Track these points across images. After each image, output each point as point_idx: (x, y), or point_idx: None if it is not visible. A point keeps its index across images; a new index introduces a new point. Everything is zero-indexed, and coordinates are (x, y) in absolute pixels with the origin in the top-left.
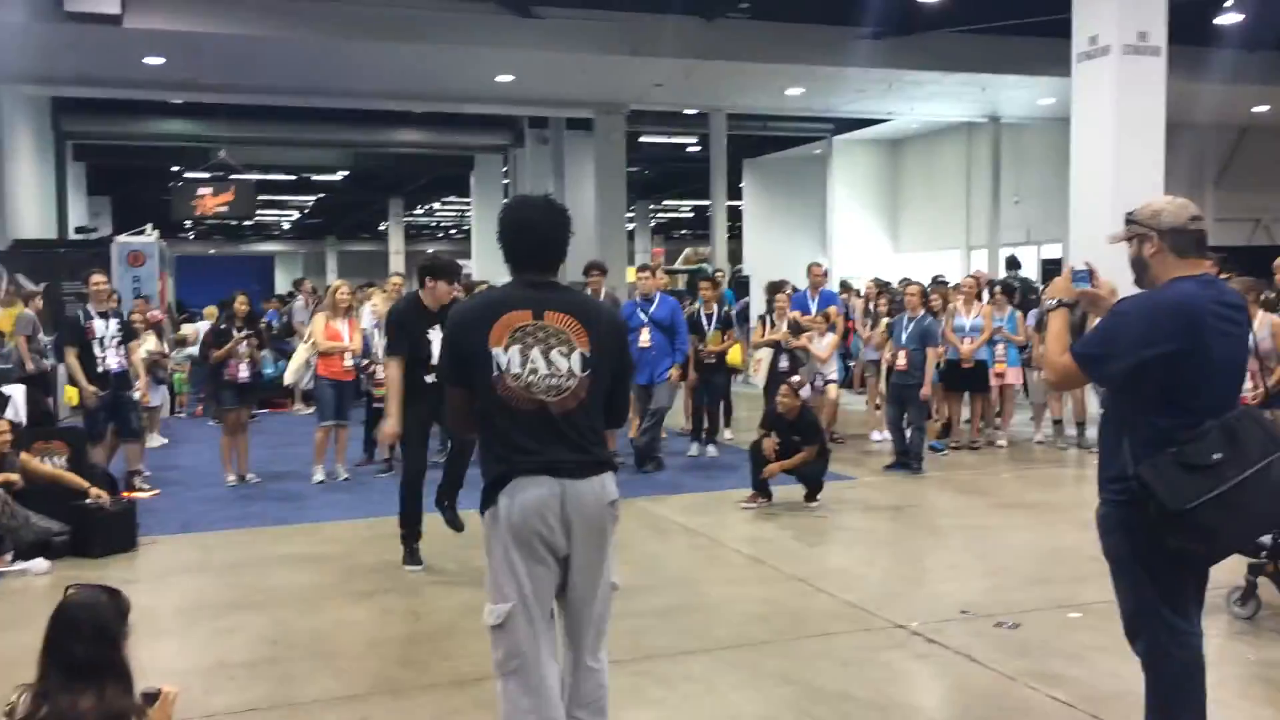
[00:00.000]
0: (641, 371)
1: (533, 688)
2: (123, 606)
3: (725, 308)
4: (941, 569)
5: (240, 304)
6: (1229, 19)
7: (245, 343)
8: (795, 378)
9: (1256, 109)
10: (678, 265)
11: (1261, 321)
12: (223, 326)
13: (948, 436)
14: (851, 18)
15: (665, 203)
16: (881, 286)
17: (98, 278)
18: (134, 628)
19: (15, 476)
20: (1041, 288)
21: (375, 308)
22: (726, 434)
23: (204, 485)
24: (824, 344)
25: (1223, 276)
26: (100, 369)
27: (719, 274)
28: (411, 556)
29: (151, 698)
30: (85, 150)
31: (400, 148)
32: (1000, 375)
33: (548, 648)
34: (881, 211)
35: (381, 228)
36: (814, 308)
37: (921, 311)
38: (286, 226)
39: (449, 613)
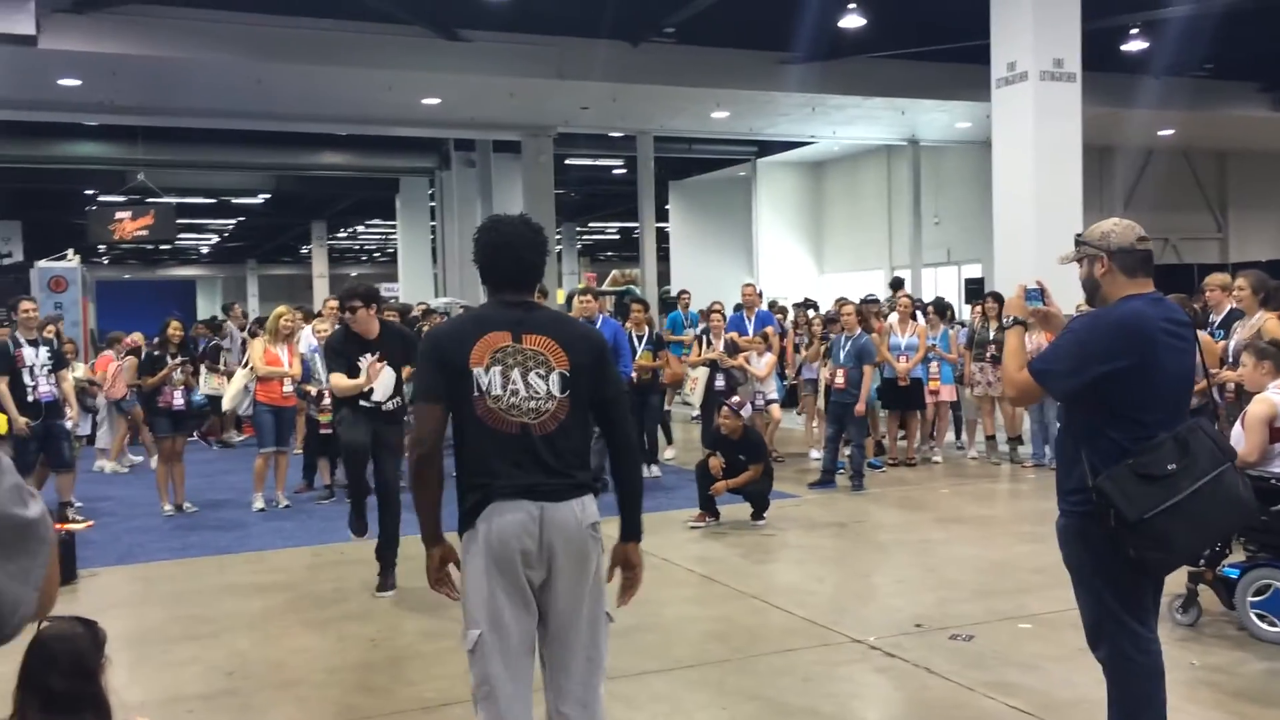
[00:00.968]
0: None
1: (500, 716)
2: (99, 638)
3: (655, 330)
4: (891, 583)
5: (174, 330)
6: (1135, 46)
7: (180, 369)
8: (735, 398)
9: (1162, 132)
10: (605, 286)
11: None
12: (156, 353)
13: (884, 453)
14: (775, 43)
15: (591, 224)
16: (810, 305)
17: (27, 304)
18: (110, 659)
19: None
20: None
21: (318, 331)
22: (667, 453)
23: (139, 516)
24: (762, 363)
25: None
26: (31, 398)
27: (685, 295)
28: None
29: None
30: None
31: (324, 170)
32: (935, 393)
33: (522, 677)
34: (806, 232)
35: (304, 251)
36: (750, 328)
37: (859, 330)
38: (205, 250)
39: (408, 637)
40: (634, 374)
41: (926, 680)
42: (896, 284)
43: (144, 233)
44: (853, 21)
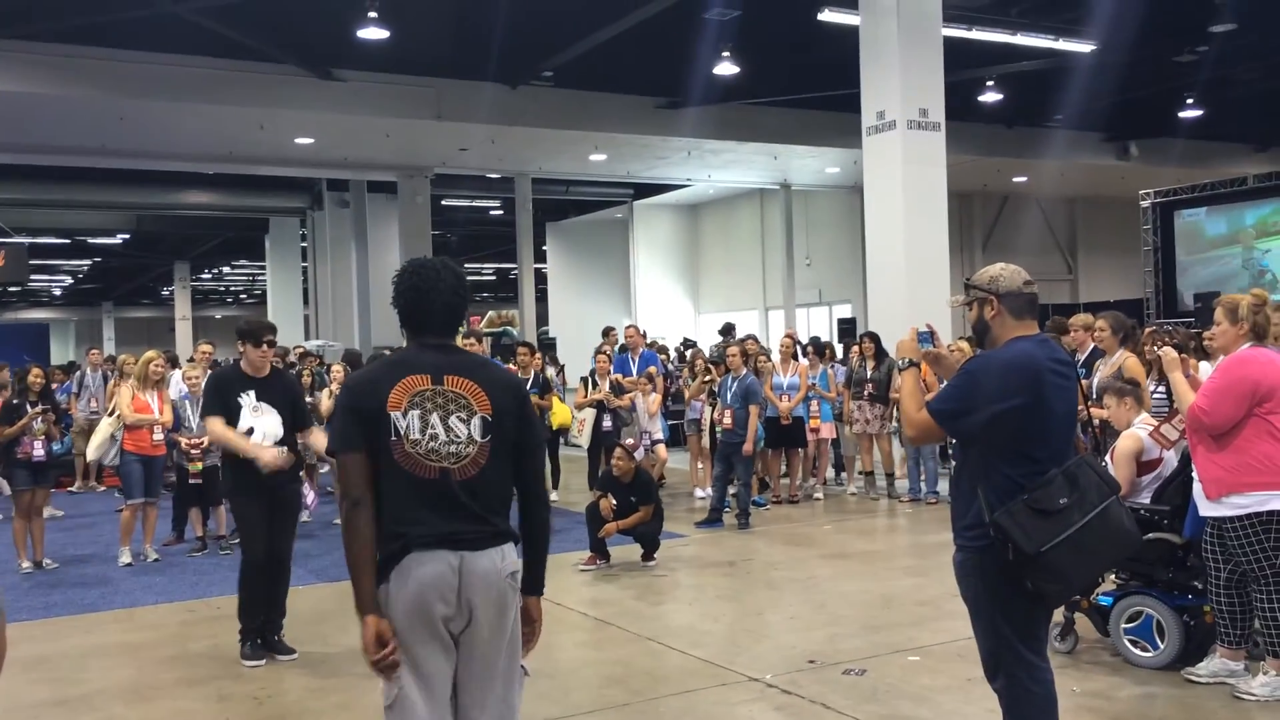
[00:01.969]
0: None
1: None
2: None
3: (550, 370)
4: (783, 620)
5: (35, 377)
6: (991, 97)
7: (41, 418)
8: (628, 441)
9: (1016, 179)
10: (482, 328)
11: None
12: (15, 401)
13: (766, 491)
14: (653, 88)
15: (468, 265)
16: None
17: None
18: None
19: None
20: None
21: (188, 378)
22: (553, 495)
23: None
24: (651, 400)
25: None
26: None
27: (646, 332)
28: (252, 650)
29: None
30: None
31: (189, 209)
32: (815, 430)
33: None
34: (683, 273)
35: (166, 293)
36: (635, 368)
37: (744, 371)
38: (58, 292)
39: (295, 694)
40: None
41: (823, 716)
42: (727, 329)
43: None
44: (728, 69)
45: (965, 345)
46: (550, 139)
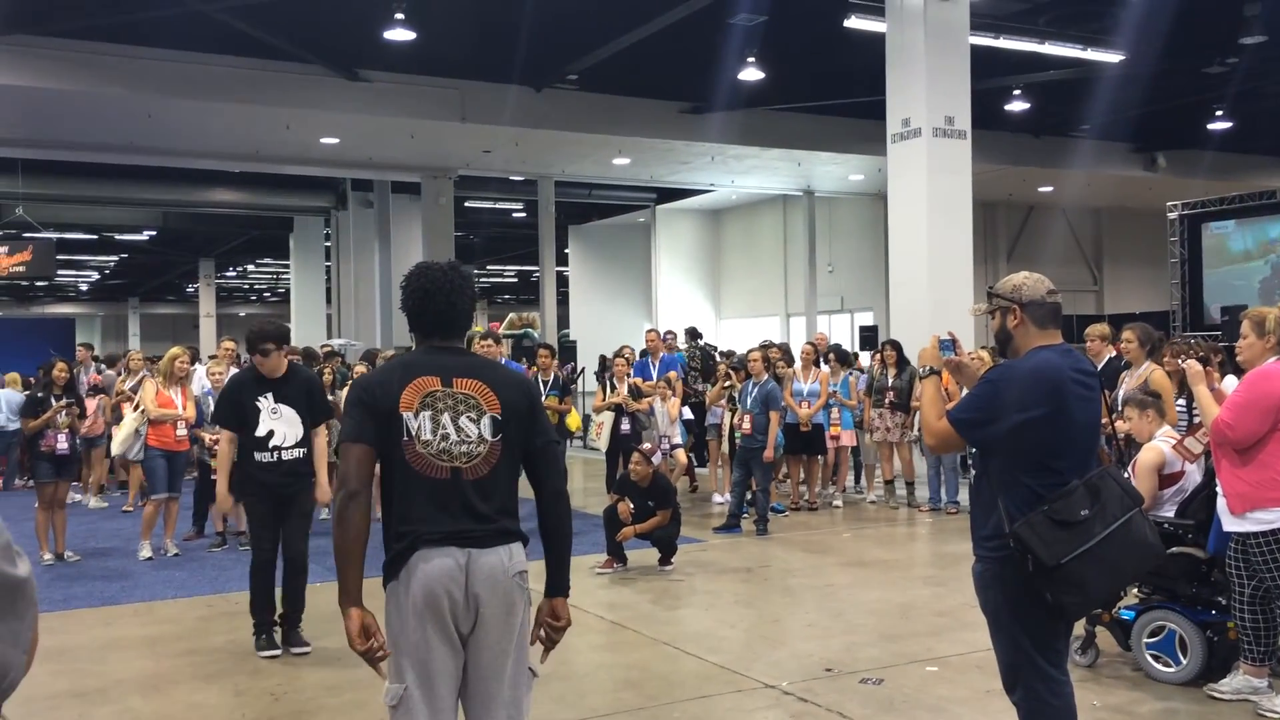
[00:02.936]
0: None
1: None
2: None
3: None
4: (800, 628)
5: (59, 371)
6: (1018, 106)
7: (65, 412)
8: (645, 445)
9: (1042, 189)
10: (502, 330)
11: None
12: (39, 394)
13: (785, 484)
14: (677, 93)
15: (490, 267)
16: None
17: None
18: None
19: None
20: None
21: (213, 374)
22: None
23: None
24: (670, 404)
25: None
26: None
27: (671, 335)
28: (267, 641)
29: None
30: None
31: (214, 207)
32: (835, 438)
33: None
34: (704, 279)
35: (190, 289)
36: (655, 373)
37: (765, 376)
38: (85, 288)
39: (310, 690)
40: None
41: None
42: (694, 333)
43: (21, 269)
44: (753, 75)
45: (986, 354)
46: (574, 142)
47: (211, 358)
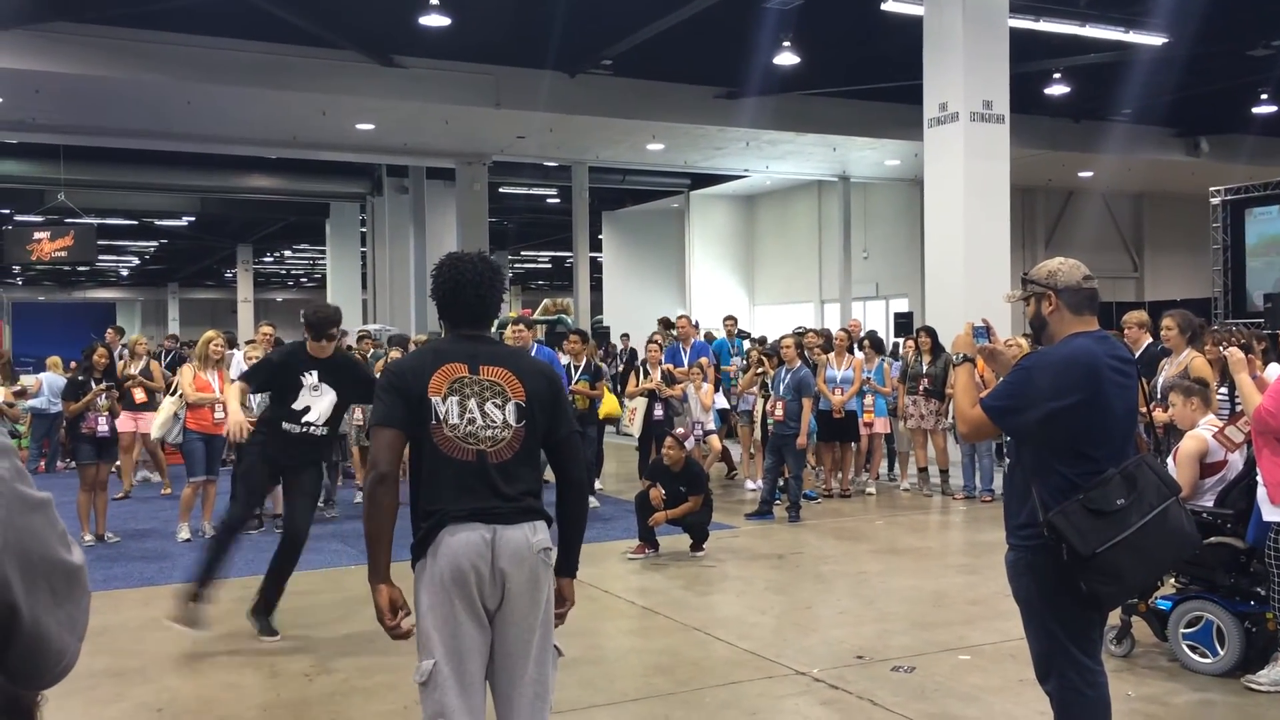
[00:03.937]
0: None
1: None
2: None
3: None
4: (831, 615)
5: (100, 356)
6: (1057, 90)
7: (105, 395)
8: (679, 430)
9: (1082, 174)
10: (536, 315)
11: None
12: (80, 378)
13: (820, 466)
14: (712, 78)
15: (524, 253)
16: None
17: None
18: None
19: None
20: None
21: (249, 357)
22: (597, 484)
23: None
24: (704, 392)
25: None
26: None
27: (730, 322)
28: (190, 616)
29: None
30: None
31: (252, 193)
32: (869, 425)
33: (477, 707)
34: (738, 265)
35: (228, 275)
36: (686, 359)
37: (798, 363)
38: (125, 273)
39: (344, 672)
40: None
41: (871, 713)
42: (666, 323)
43: (63, 254)
44: (788, 59)
45: (1024, 341)
46: (608, 128)
47: (249, 343)
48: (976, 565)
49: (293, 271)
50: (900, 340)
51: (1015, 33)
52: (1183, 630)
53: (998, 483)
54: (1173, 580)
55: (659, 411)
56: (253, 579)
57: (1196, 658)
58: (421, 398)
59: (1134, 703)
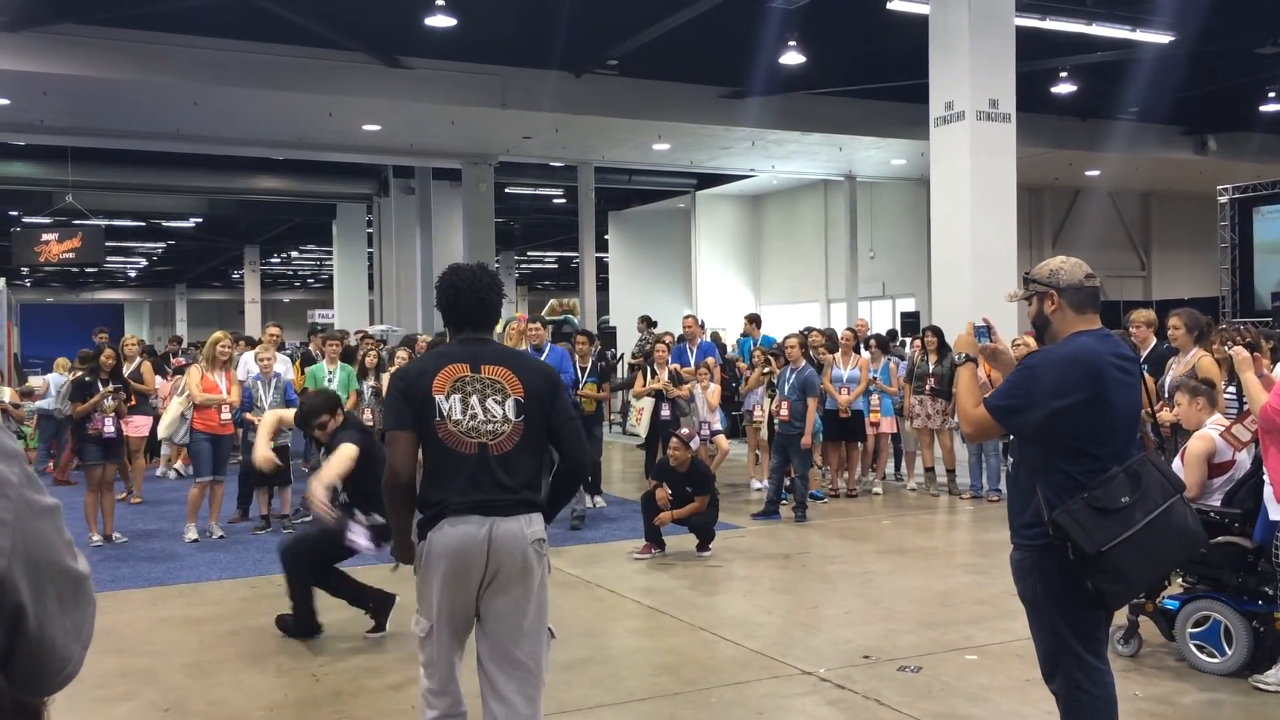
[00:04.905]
0: None
1: (442, 691)
2: None
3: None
4: (838, 614)
5: (107, 357)
6: (1064, 89)
7: (111, 396)
8: (684, 430)
9: (1089, 173)
10: (543, 315)
11: None
12: (86, 379)
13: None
14: (718, 77)
15: (530, 253)
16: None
17: None
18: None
19: None
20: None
21: (260, 359)
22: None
23: None
24: (710, 393)
25: None
26: None
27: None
28: (295, 626)
29: None
30: None
31: (259, 194)
32: (875, 424)
33: (457, 657)
34: (744, 264)
35: (236, 276)
36: (693, 359)
37: (803, 363)
38: (133, 274)
39: (350, 673)
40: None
41: (878, 712)
42: (648, 321)
43: (71, 255)
44: (794, 59)
45: (1031, 340)
46: (614, 128)
47: (258, 343)
48: (983, 565)
49: (300, 272)
50: (907, 340)
51: (1021, 31)
52: (1190, 630)
53: (1004, 482)
54: (1180, 580)
55: (665, 412)
56: (260, 579)
57: (1204, 657)
58: (425, 397)
59: (1141, 702)
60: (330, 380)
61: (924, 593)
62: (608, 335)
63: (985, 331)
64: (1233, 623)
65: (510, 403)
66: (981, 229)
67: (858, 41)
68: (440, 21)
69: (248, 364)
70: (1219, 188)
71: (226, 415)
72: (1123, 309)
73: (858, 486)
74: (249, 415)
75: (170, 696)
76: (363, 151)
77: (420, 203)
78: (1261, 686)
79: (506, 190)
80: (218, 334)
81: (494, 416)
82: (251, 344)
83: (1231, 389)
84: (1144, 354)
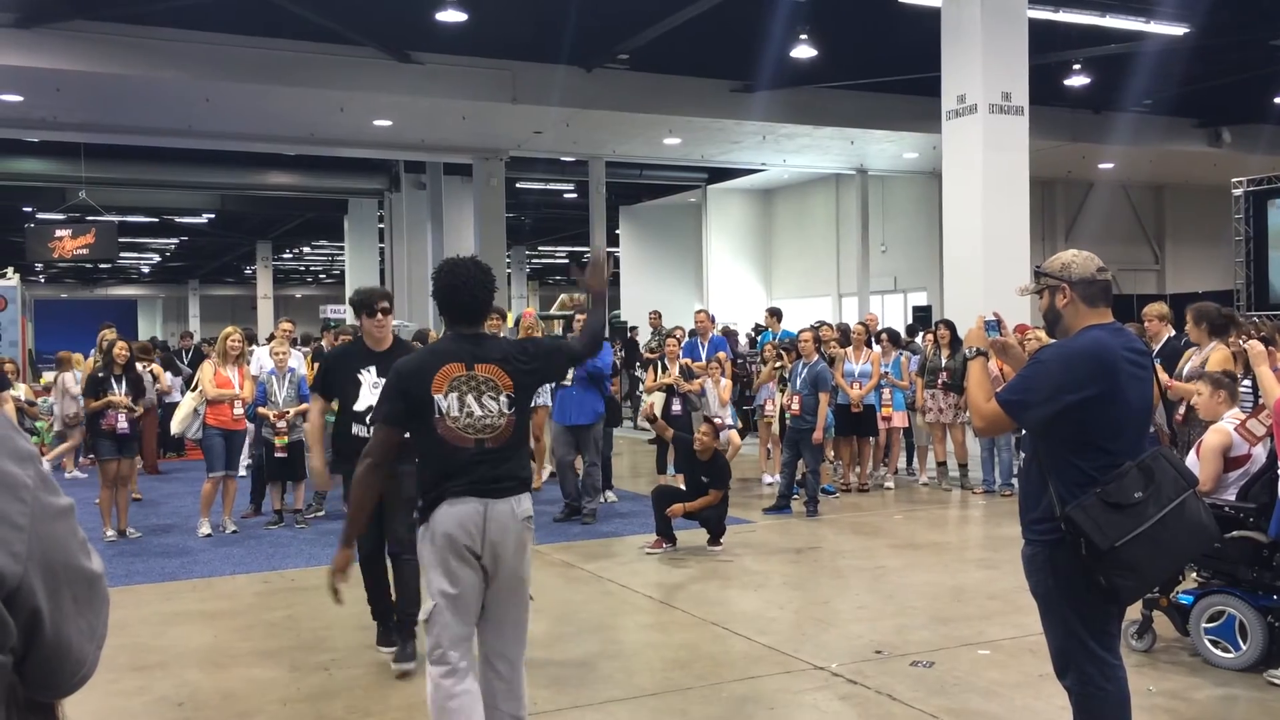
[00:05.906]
0: (563, 411)
1: (450, 672)
2: None
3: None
4: (850, 609)
5: (120, 352)
6: (1077, 81)
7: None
8: (717, 419)
9: (1102, 166)
10: (553, 311)
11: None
12: (100, 374)
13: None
14: (729, 71)
15: (541, 248)
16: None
17: None
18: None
19: None
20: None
21: (275, 354)
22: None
23: None
24: (722, 387)
25: None
26: None
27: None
28: (383, 637)
29: None
30: None
31: (271, 190)
32: (887, 419)
33: (467, 641)
34: (755, 259)
35: (248, 271)
36: (704, 353)
37: (815, 357)
38: (146, 270)
39: (363, 667)
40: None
41: (890, 708)
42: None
43: (84, 251)
44: (805, 52)
45: (1044, 334)
46: (624, 122)
47: (270, 338)
48: (995, 560)
49: (312, 268)
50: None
51: (1034, 23)
52: (1204, 625)
53: (1016, 477)
54: (1194, 575)
55: (676, 406)
56: (273, 573)
57: (1218, 652)
58: (424, 397)
59: (1155, 698)
60: None
61: (936, 588)
62: (617, 330)
63: (995, 325)
64: (1248, 618)
65: (503, 397)
66: (994, 223)
67: (869, 34)
68: (451, 16)
69: (262, 359)
70: (1233, 180)
71: (239, 410)
72: (1136, 302)
73: (869, 481)
74: (265, 410)
75: (183, 690)
76: (374, 147)
77: (431, 198)
78: (1276, 681)
79: (517, 185)
80: (228, 329)
81: (490, 411)
82: (252, 340)
83: (1247, 383)
84: (1157, 348)
